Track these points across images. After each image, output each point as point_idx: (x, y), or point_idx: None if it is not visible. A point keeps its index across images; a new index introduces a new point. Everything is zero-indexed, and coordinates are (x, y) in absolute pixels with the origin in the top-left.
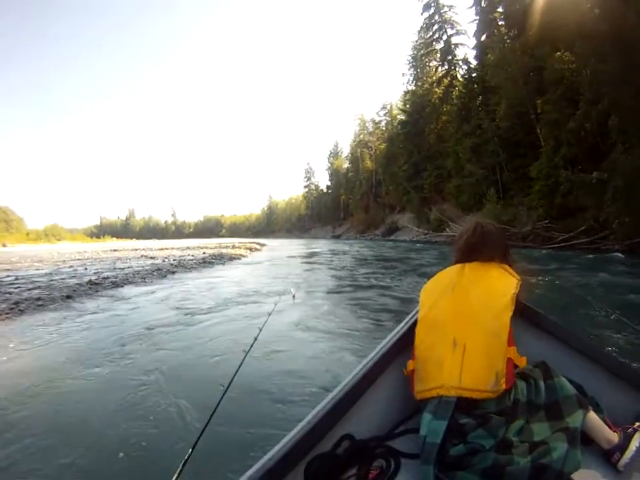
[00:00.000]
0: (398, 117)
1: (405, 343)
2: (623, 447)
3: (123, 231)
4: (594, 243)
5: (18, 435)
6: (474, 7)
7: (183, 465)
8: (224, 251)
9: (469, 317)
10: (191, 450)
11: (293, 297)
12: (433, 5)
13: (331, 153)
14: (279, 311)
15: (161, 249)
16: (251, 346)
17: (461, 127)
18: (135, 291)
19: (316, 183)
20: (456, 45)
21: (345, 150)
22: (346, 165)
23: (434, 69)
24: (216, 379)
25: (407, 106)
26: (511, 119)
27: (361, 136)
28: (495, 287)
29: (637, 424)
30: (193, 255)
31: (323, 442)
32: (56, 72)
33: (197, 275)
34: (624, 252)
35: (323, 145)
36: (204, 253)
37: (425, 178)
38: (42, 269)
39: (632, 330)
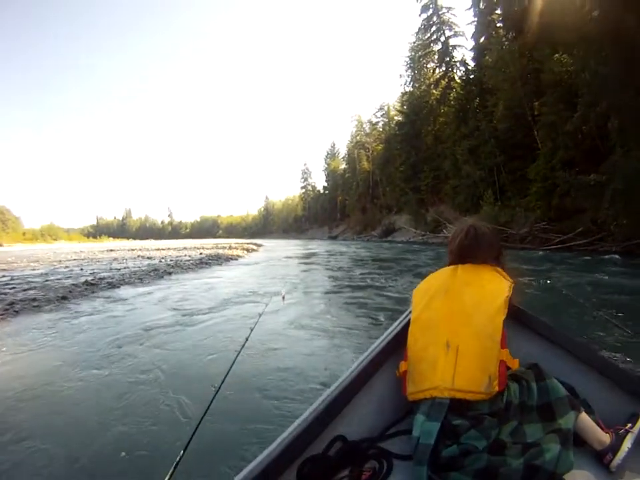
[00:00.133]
0: (395, 118)
1: (398, 344)
2: (615, 447)
3: (120, 231)
4: (591, 244)
5: (12, 438)
6: (472, 9)
7: (175, 466)
8: (221, 251)
9: (462, 319)
10: (182, 451)
11: (283, 298)
12: (431, 6)
13: (328, 153)
14: (274, 310)
15: (158, 249)
16: (242, 346)
17: (458, 128)
18: (132, 292)
19: (313, 184)
20: (454, 47)
21: (342, 151)
22: (343, 165)
23: (431, 71)
24: (210, 379)
25: (404, 107)
26: (508, 120)
27: (358, 137)
28: (488, 289)
29: (629, 425)
30: (189, 256)
31: (315, 443)
32: (54, 72)
33: (194, 276)
34: (621, 254)
35: (320, 146)
36: (201, 254)
37: (422, 179)
38: (38, 269)
39: (621, 331)
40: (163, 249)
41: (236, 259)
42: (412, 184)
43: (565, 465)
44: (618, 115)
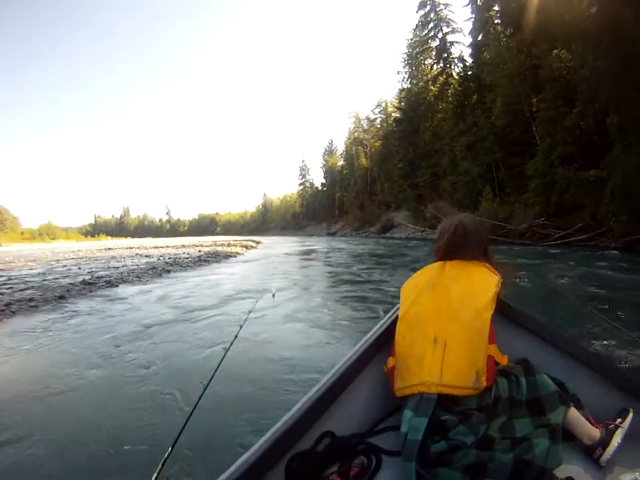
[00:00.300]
0: (393, 114)
1: (385, 340)
2: (604, 442)
3: (118, 229)
4: (591, 240)
5: (8, 439)
6: (470, 5)
7: (163, 463)
8: (219, 248)
9: (449, 314)
10: (170, 448)
11: (273, 295)
12: (428, 3)
13: (326, 150)
14: (270, 306)
15: (156, 247)
16: (231, 343)
17: (456, 124)
18: (130, 291)
19: (311, 181)
20: (451, 43)
21: (340, 147)
22: (341, 162)
23: (429, 67)
24: (202, 376)
25: (402, 104)
26: (506, 116)
27: (356, 133)
28: (476, 284)
29: (619, 420)
30: (188, 253)
31: (303, 439)
32: (52, 70)
33: (193, 274)
34: (620, 249)
35: (318, 143)
36: (199, 251)
37: (420, 176)
38: (35, 269)
39: (611, 326)
40: (161, 247)
41: (235, 256)
42: (410, 180)
43: (555, 459)
44: (617, 110)
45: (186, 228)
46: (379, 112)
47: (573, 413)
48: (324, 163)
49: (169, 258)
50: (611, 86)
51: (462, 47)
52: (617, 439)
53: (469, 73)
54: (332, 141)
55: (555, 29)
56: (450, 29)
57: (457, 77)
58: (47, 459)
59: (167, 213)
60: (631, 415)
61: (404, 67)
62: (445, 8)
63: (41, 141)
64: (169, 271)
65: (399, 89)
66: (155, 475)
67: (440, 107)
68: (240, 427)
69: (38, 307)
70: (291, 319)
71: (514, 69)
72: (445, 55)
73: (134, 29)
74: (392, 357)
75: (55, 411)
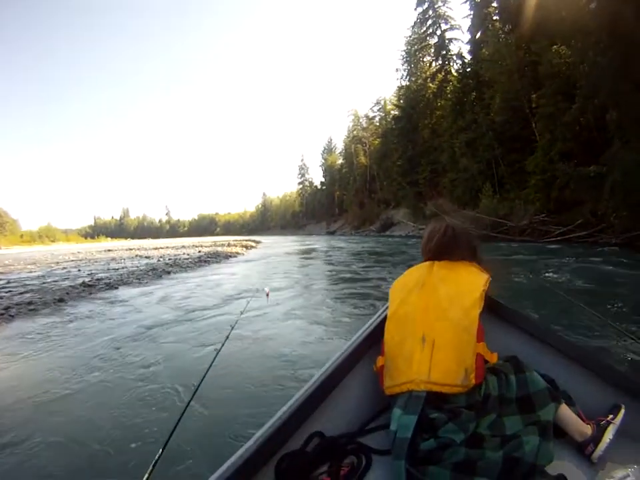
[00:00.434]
0: (392, 112)
1: (374, 339)
2: (596, 439)
3: (117, 230)
4: (591, 236)
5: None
6: (468, 2)
7: (154, 465)
8: (219, 249)
9: (438, 313)
10: (161, 450)
11: (267, 295)
12: (427, 0)
13: (325, 149)
14: (271, 304)
15: (156, 248)
16: (222, 345)
17: (455, 121)
18: (130, 293)
19: (310, 180)
20: (450, 40)
21: (339, 146)
22: (340, 160)
23: (428, 64)
24: (198, 377)
25: (401, 101)
26: (505, 113)
27: (355, 132)
28: (464, 283)
29: (610, 416)
30: (188, 254)
31: (293, 440)
32: (52, 70)
33: (194, 274)
34: (621, 245)
35: (317, 141)
36: (199, 252)
37: (419, 173)
38: (35, 272)
39: (601, 321)
40: (161, 248)
41: (235, 256)
42: (409, 178)
43: (545, 456)
44: (616, 107)
45: (185, 228)
46: (378, 110)
47: (564, 409)
48: (323, 161)
49: (169, 259)
50: (611, 83)
51: (460, 43)
52: (608, 435)
53: (468, 69)
54: (331, 140)
55: (554, 25)
56: (448, 26)
57: (455, 74)
58: (42, 461)
59: (166, 214)
60: (622, 411)
61: (402, 65)
62: (444, 5)
63: (40, 143)
64: (169, 272)
65: (398, 87)
66: (146, 475)
67: (439, 104)
68: (232, 426)
69: (37, 310)
70: (291, 316)
71: (513, 66)
72: (444, 52)
73: (133, 30)
74: (381, 355)
75: (52, 414)
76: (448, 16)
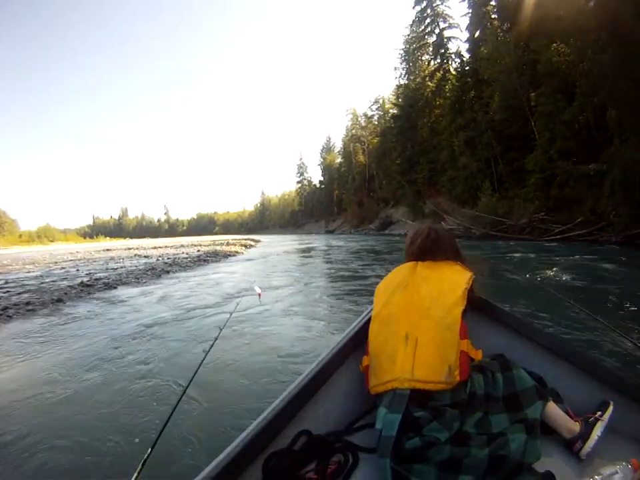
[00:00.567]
0: (390, 111)
1: (360, 340)
2: (584, 436)
3: (116, 230)
4: (591, 234)
5: None
6: (466, 0)
7: (143, 464)
8: (218, 248)
9: (421, 312)
10: (150, 449)
11: (259, 296)
12: None
13: (324, 147)
14: (268, 302)
15: (155, 248)
16: (211, 346)
17: (454, 120)
18: (129, 292)
19: (309, 178)
20: (448, 39)
21: (338, 145)
22: (339, 159)
23: (426, 63)
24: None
25: (400, 100)
26: (504, 111)
27: (354, 130)
28: (446, 282)
29: (599, 413)
30: (187, 253)
31: (280, 438)
32: (49, 70)
33: (193, 274)
34: (620, 243)
35: (315, 140)
36: (198, 251)
37: (418, 172)
38: (33, 272)
39: (590, 317)
40: (160, 247)
41: (234, 255)
42: (408, 176)
43: (533, 454)
44: (616, 105)
45: (184, 228)
46: (377, 108)
47: (552, 407)
48: (322, 160)
49: (168, 258)
50: (610, 81)
51: (459, 42)
52: (597, 432)
53: (467, 68)
54: (329, 138)
55: (553, 24)
56: (447, 25)
57: (454, 73)
58: (31, 461)
59: (165, 213)
60: (611, 408)
61: (401, 63)
62: (442, 3)
63: (38, 143)
64: (168, 272)
65: (396, 85)
66: (135, 474)
67: (437, 102)
68: (223, 422)
69: (35, 310)
70: (289, 313)
71: (512, 64)
72: (442, 51)
73: (131, 32)
74: (366, 355)
75: (47, 415)
76: (446, 14)
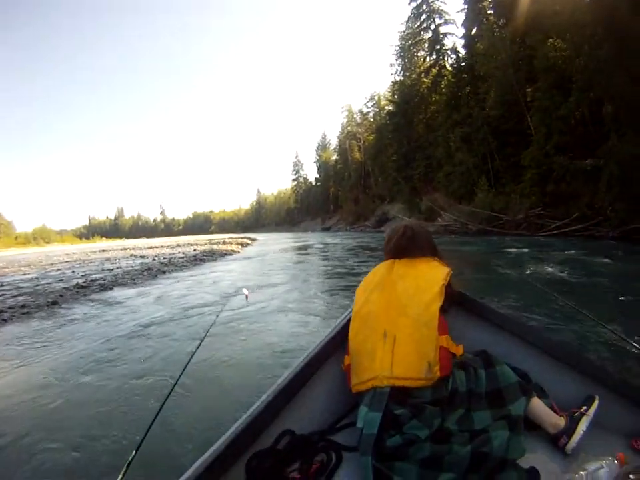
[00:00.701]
0: (386, 107)
1: (342, 339)
2: (569, 430)
3: (112, 230)
4: (587, 229)
5: None
6: None
7: (128, 465)
8: (215, 247)
9: (398, 310)
10: (134, 451)
11: (246, 297)
12: None
13: (319, 145)
14: (256, 300)
15: (151, 248)
16: (197, 347)
17: (450, 116)
18: (125, 293)
19: (304, 176)
20: (444, 35)
21: (333, 142)
22: (334, 157)
23: (422, 59)
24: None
25: (395, 96)
26: (500, 107)
27: (349, 127)
28: (423, 279)
29: (584, 407)
30: (183, 253)
31: (263, 438)
32: (42, 70)
33: (189, 274)
34: (618, 238)
35: (311, 138)
36: (195, 250)
37: (414, 168)
38: (29, 274)
39: (575, 311)
40: (156, 247)
41: (231, 254)
42: (404, 173)
43: (517, 450)
44: (612, 100)
45: (180, 227)
46: (372, 105)
47: (536, 402)
48: (317, 157)
49: (164, 258)
50: (607, 76)
51: (455, 38)
52: (582, 426)
53: (462, 64)
54: (325, 136)
55: (549, 19)
56: (442, 21)
57: (450, 69)
58: (16, 464)
59: (161, 213)
60: (596, 402)
61: (396, 60)
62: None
63: (34, 144)
64: (164, 272)
65: (392, 82)
66: (120, 477)
67: (433, 99)
68: (211, 423)
69: (31, 313)
70: (286, 309)
71: (508, 60)
72: (438, 47)
73: (126, 32)
74: (347, 354)
75: (40, 418)
76: (442, 10)
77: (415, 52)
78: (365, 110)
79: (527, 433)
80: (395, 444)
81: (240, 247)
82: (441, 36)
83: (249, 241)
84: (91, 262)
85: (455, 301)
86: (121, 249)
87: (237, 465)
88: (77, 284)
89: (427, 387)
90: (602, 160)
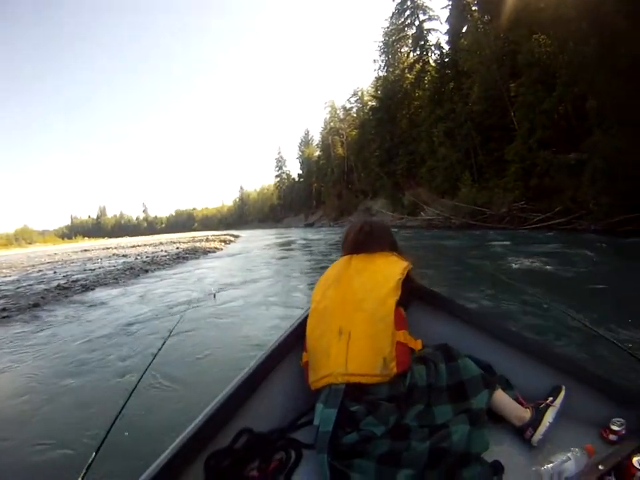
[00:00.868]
0: (369, 103)
1: (301, 335)
2: (535, 422)
3: (95, 229)
4: (570, 223)
5: None
6: None
7: (88, 467)
8: (198, 244)
9: (354, 305)
10: (94, 453)
11: (214, 296)
12: None
13: (302, 141)
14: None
15: (134, 246)
16: (161, 347)
17: (433, 111)
18: (106, 294)
19: (287, 172)
20: (428, 31)
21: (316, 138)
22: (317, 152)
23: (406, 55)
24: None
25: (379, 92)
26: (484, 102)
27: (332, 123)
28: (380, 273)
29: (550, 399)
30: (166, 251)
31: (221, 437)
32: (17, 65)
33: (172, 272)
34: (600, 231)
35: (294, 134)
36: (177, 248)
37: (397, 163)
38: (10, 276)
39: (540, 301)
40: (138, 246)
41: (214, 252)
42: (387, 168)
43: (480, 444)
44: (596, 95)
45: (163, 225)
46: (355, 101)
47: (500, 395)
48: (300, 153)
49: (147, 257)
50: (592, 71)
51: (439, 34)
52: (548, 418)
53: (446, 59)
54: (308, 132)
55: (534, 14)
56: (427, 17)
57: (433, 65)
58: None
59: (143, 211)
60: (563, 393)
61: (380, 56)
62: None
63: (14, 143)
64: (146, 271)
65: (375, 78)
66: (79, 479)
67: (417, 94)
68: (171, 422)
69: (11, 317)
70: (268, 303)
71: (492, 55)
72: (422, 43)
73: (119, 32)
74: (305, 351)
75: (14, 422)
76: (426, 7)
77: (398, 48)
78: (348, 106)
79: (492, 426)
80: (352, 441)
81: (223, 244)
82: (425, 32)
83: (232, 238)
84: (72, 262)
85: (417, 296)
86: (103, 249)
87: (194, 464)
88: (59, 285)
89: (384, 383)
90: (586, 154)
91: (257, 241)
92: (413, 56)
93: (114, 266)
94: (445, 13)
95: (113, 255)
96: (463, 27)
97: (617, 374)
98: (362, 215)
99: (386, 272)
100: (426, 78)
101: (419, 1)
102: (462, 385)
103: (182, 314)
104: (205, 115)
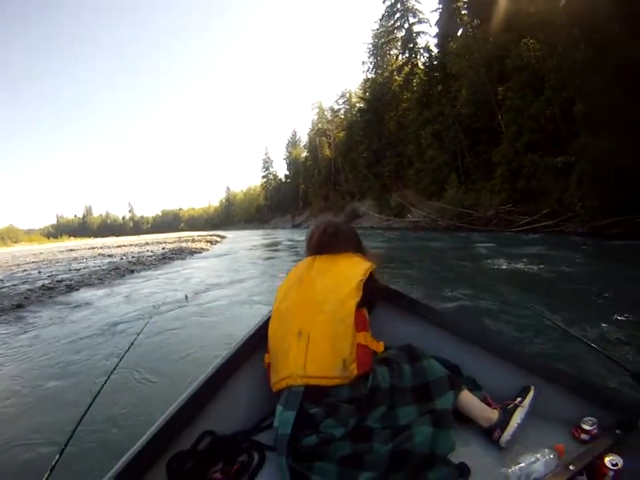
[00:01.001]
0: (357, 104)
1: (264, 337)
2: (503, 423)
3: (81, 229)
4: (557, 225)
5: None
6: None
7: (51, 471)
8: (184, 244)
9: (314, 307)
10: (58, 456)
11: (186, 297)
12: None
13: (289, 142)
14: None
15: (119, 246)
16: (132, 343)
17: (421, 113)
18: (91, 294)
19: (274, 173)
20: (417, 34)
21: (304, 139)
22: (304, 153)
23: (395, 57)
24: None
25: (367, 94)
26: (472, 105)
27: (320, 124)
28: (342, 274)
29: (519, 399)
30: (152, 251)
31: (183, 439)
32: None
33: (157, 273)
34: (587, 234)
35: (281, 135)
36: (163, 249)
37: (384, 165)
38: None
39: (506, 299)
40: (124, 246)
41: (200, 252)
42: (374, 170)
43: (445, 445)
44: (585, 99)
45: (149, 225)
46: (343, 102)
47: (466, 395)
48: (287, 154)
49: (132, 257)
50: (581, 76)
51: (428, 37)
52: (516, 419)
53: (435, 62)
54: (295, 133)
55: (524, 19)
56: (416, 20)
57: (422, 67)
58: None
59: (129, 211)
60: (531, 393)
61: (369, 57)
62: None
63: None
64: (132, 271)
65: (364, 79)
66: None
67: (405, 96)
68: (136, 422)
69: None
70: (252, 302)
71: (480, 59)
72: (411, 45)
73: (113, 31)
74: (267, 353)
75: None
76: (416, 9)
77: (387, 50)
78: (336, 107)
79: (459, 427)
80: (311, 443)
81: (209, 244)
82: (415, 35)
83: (218, 239)
84: (58, 262)
85: (382, 296)
86: (89, 248)
87: (157, 466)
88: (43, 285)
89: (344, 385)
90: (573, 157)
91: (243, 242)
92: (402, 58)
93: (99, 266)
94: (435, 16)
95: (99, 254)
96: (453, 31)
97: (590, 373)
98: (347, 216)
99: (348, 273)
100: (414, 80)
101: (408, 4)
102: (427, 386)
103: (159, 315)
104: (191, 115)
